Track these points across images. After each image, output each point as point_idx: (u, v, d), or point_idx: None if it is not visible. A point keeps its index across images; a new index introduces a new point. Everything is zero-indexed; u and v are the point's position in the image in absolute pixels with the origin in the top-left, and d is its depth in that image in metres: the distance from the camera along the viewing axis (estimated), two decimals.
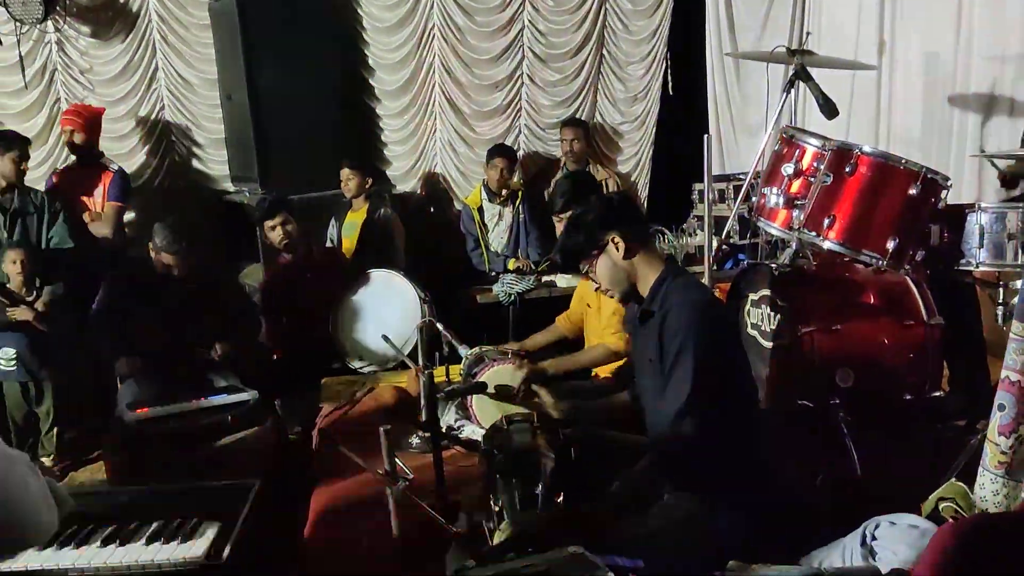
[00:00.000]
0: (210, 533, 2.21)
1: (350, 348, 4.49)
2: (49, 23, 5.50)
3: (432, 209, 6.42)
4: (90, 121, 5.30)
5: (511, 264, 5.64)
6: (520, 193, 5.84)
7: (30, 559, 2.03)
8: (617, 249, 2.52)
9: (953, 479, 2.50)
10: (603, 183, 6.04)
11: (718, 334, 2.42)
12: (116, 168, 5.32)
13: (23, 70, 5.47)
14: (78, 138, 5.21)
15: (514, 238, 5.80)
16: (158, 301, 4.25)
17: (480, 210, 5.81)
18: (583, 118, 6.40)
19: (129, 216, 5.58)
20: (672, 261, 2.65)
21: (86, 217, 5.19)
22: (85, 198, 5.25)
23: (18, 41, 5.40)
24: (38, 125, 5.64)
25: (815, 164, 3.35)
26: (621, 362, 3.48)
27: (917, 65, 5.08)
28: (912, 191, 3.16)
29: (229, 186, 6.03)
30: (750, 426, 2.49)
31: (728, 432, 2.36)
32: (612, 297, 2.77)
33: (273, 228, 4.63)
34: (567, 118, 6.32)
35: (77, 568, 2.12)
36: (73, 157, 5.37)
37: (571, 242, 2.63)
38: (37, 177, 5.52)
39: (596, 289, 3.10)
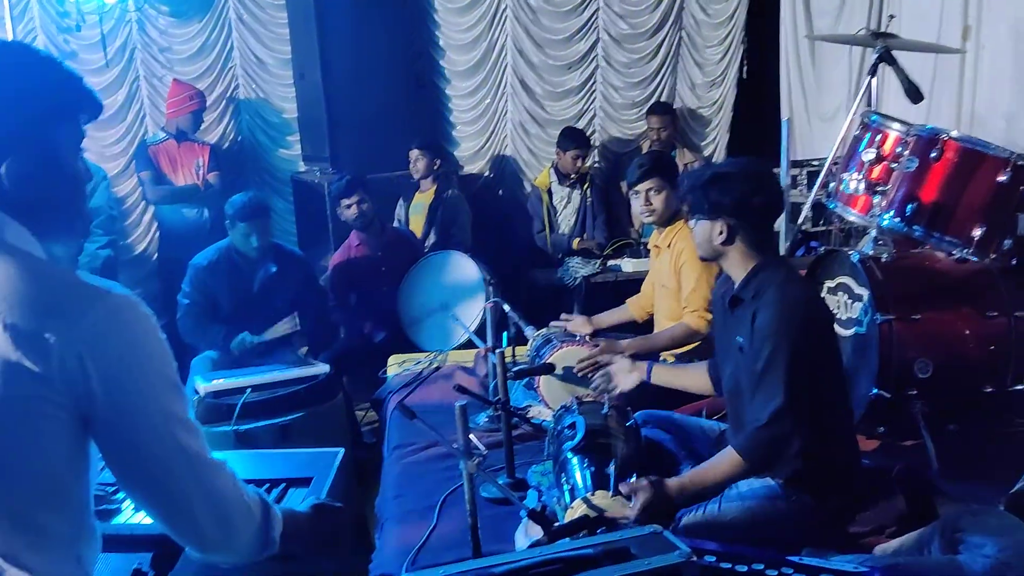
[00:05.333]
0: (297, 499, 2.22)
1: (417, 327, 4.52)
2: (130, 2, 5.61)
3: (500, 191, 6.41)
4: (204, 101, 5.60)
5: (575, 244, 5.62)
6: (589, 176, 5.80)
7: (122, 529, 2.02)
8: (720, 233, 2.40)
9: None
10: (687, 167, 5.98)
11: (813, 334, 2.34)
12: (205, 141, 5.59)
13: (104, 48, 5.59)
14: (197, 119, 5.53)
15: (581, 220, 5.77)
16: (240, 277, 4.34)
17: (549, 192, 5.78)
18: (662, 101, 6.30)
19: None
20: (772, 252, 2.51)
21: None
22: (184, 171, 5.45)
23: (100, 19, 5.52)
24: (118, 102, 5.79)
25: (897, 149, 3.26)
26: (694, 344, 3.44)
27: (1005, 48, 4.90)
28: (1001, 178, 3.04)
29: (300, 165, 6.11)
30: (838, 418, 2.44)
31: (817, 426, 2.31)
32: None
33: (349, 206, 4.74)
34: (654, 104, 6.23)
35: None
36: (153, 130, 5.61)
37: (693, 191, 2.45)
38: (116, 152, 5.67)
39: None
